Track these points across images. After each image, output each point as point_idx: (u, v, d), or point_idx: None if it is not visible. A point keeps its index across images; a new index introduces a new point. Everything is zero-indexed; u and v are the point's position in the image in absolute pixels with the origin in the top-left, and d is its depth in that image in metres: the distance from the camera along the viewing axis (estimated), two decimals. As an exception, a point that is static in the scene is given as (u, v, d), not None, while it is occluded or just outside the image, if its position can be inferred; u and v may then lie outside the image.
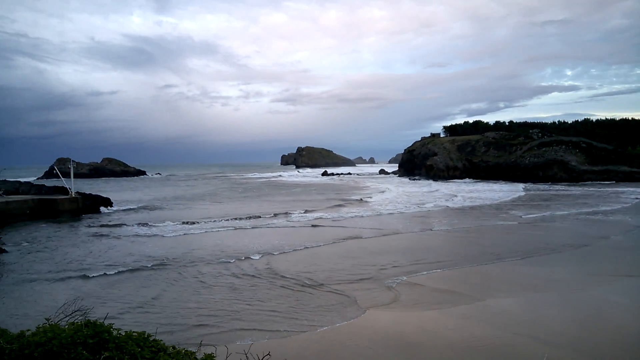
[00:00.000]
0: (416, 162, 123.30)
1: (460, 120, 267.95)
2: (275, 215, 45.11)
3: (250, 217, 43.59)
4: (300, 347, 13.63)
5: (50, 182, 71.96)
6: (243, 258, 25.77)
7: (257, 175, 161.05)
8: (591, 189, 74.08)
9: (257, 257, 25.98)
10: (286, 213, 46.27)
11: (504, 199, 60.50)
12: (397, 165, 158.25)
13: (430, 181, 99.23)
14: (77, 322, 4.83)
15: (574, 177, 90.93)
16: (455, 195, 65.33)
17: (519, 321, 15.31)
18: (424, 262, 24.04)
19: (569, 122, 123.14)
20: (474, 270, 22.61)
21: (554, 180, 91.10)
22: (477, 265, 23.37)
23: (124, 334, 4.77)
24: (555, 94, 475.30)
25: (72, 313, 5.55)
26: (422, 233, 34.06)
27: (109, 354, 4.27)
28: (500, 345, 13.41)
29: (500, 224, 37.97)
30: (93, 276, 22.13)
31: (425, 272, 21.96)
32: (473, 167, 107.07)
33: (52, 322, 4.99)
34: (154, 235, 34.43)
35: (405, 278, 20.95)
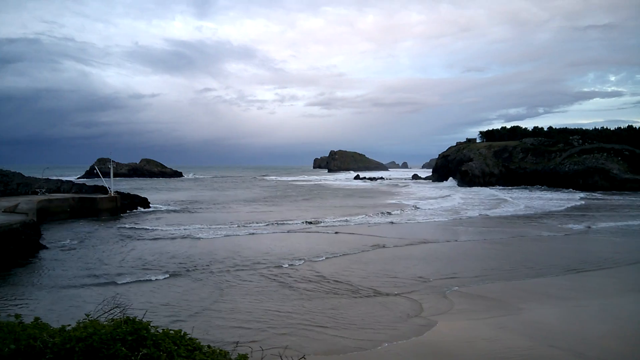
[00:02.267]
0: (450, 167, 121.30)
1: (497, 125, 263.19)
2: (310, 221, 43.94)
3: (286, 222, 43.32)
4: None
5: (90, 181, 74.11)
6: (286, 265, 24.97)
7: (305, 178, 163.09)
8: (634, 198, 71.35)
9: (300, 263, 25.52)
10: (317, 219, 45.58)
11: (554, 208, 57.30)
12: (431, 170, 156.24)
13: (466, 187, 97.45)
14: (117, 319, 4.94)
15: (616, 185, 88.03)
16: (506, 200, 64.45)
17: (556, 333, 14.81)
18: (465, 274, 23.10)
19: (612, 129, 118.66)
20: (516, 283, 21.84)
21: (595, 188, 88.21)
22: (519, 279, 22.48)
23: (161, 331, 4.86)
24: (597, 99, 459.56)
25: (111, 309, 5.69)
26: (462, 243, 32.95)
27: (146, 351, 4.35)
28: (534, 358, 12.99)
29: (546, 235, 36.46)
30: (126, 282, 21.54)
31: (474, 284, 21.11)
32: (510, 173, 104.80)
33: (92, 318, 5.11)
34: (191, 236, 34.76)
35: (456, 288, 20.32)
